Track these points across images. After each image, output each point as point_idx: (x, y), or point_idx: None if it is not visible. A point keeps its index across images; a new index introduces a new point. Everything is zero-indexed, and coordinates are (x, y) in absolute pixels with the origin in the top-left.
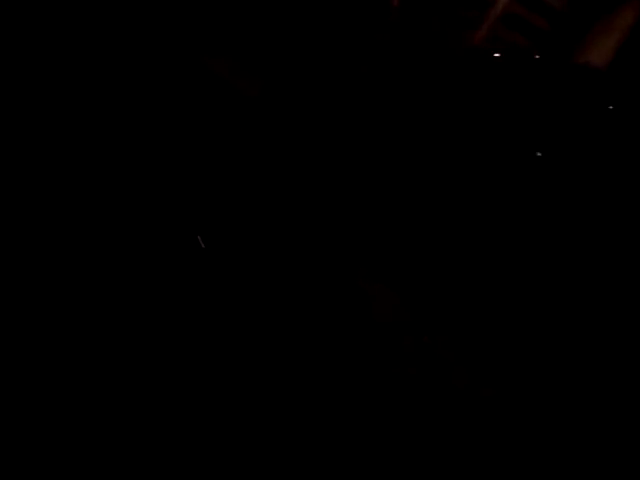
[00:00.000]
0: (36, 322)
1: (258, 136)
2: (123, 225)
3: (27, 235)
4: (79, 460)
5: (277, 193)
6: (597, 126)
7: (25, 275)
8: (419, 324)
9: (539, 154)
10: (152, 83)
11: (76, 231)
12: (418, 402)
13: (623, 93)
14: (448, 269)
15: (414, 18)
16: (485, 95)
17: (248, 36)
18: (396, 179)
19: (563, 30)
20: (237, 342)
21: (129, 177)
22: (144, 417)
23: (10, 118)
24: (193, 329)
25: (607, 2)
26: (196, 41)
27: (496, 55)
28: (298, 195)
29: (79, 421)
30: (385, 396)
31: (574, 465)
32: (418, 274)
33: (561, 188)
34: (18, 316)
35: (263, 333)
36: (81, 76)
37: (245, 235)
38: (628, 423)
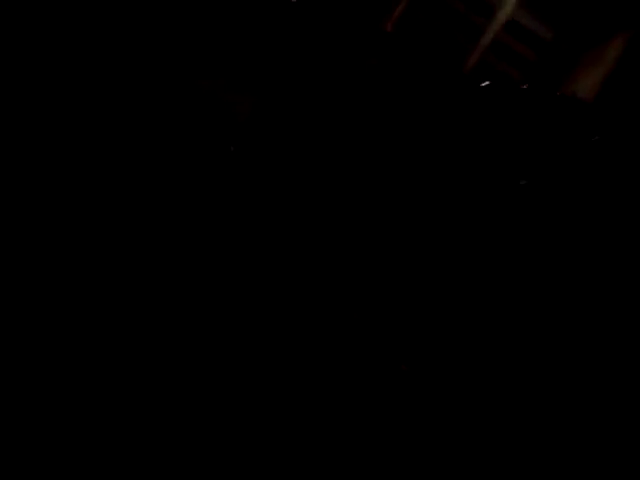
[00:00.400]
0: (36, 322)
1: (248, 154)
2: (122, 230)
3: (26, 234)
4: (79, 460)
5: (265, 212)
6: (582, 156)
7: (25, 274)
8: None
9: (523, 182)
10: (147, 102)
11: (74, 234)
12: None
13: (609, 124)
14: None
15: (407, 44)
16: (473, 124)
17: (241, 57)
18: (384, 212)
19: (551, 61)
20: (232, 338)
21: (120, 187)
22: (144, 417)
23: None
24: (193, 329)
25: (594, 35)
26: (189, 62)
27: (484, 84)
28: (285, 217)
29: (79, 421)
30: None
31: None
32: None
33: (546, 216)
34: (18, 316)
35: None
36: (77, 92)
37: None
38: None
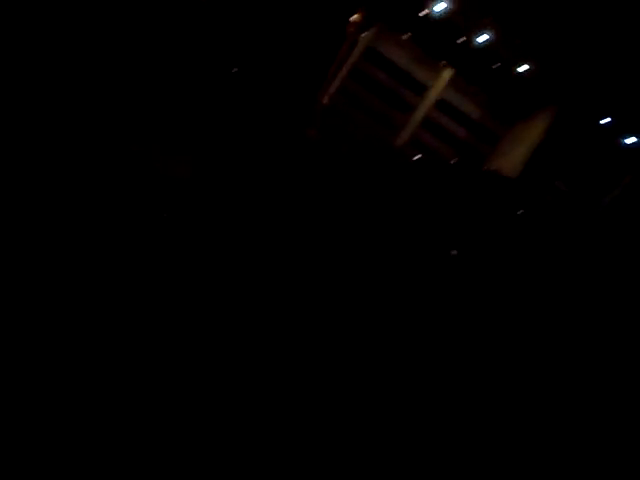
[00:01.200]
0: (36, 322)
1: (189, 215)
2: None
3: (26, 233)
4: (79, 459)
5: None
6: (507, 230)
7: (24, 273)
8: None
9: (454, 252)
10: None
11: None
12: None
13: (531, 199)
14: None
15: (342, 115)
16: (403, 197)
17: (181, 122)
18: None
19: (479, 138)
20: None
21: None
22: (144, 417)
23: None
24: (193, 329)
25: (519, 113)
26: (123, 130)
27: (415, 158)
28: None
29: (79, 421)
30: None
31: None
32: None
33: (474, 285)
34: (18, 316)
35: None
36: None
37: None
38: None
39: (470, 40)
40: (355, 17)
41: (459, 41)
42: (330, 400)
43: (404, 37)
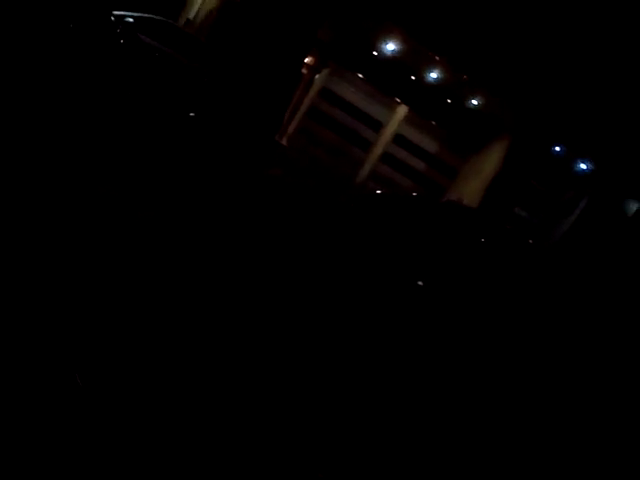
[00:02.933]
0: (36, 321)
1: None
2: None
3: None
4: (79, 459)
5: None
6: (471, 257)
7: (24, 272)
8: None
9: (420, 283)
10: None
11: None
12: None
13: (492, 227)
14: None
15: (303, 154)
16: (367, 227)
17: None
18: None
19: (439, 170)
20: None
21: None
22: (144, 416)
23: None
24: (192, 329)
25: (475, 145)
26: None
27: (378, 192)
28: None
29: (79, 421)
30: None
31: None
32: None
33: (442, 317)
34: (18, 315)
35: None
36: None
37: None
38: None
39: (421, 77)
40: (309, 59)
41: (411, 78)
42: (330, 400)
43: (357, 76)
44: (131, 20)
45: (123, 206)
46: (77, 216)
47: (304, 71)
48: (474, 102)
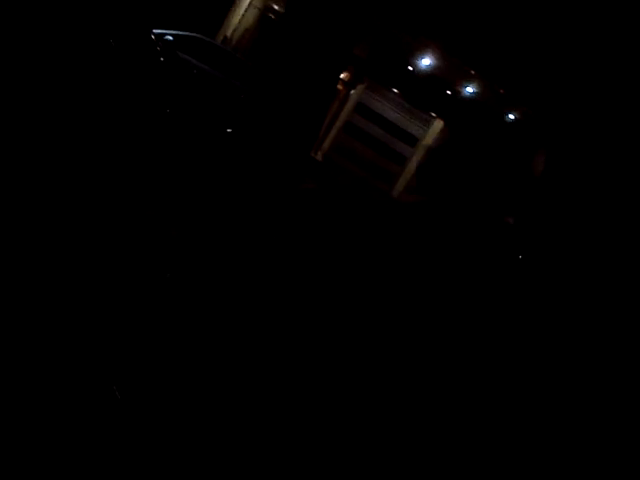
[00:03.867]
0: (36, 321)
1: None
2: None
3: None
4: (79, 459)
5: None
6: (510, 274)
7: (24, 273)
8: None
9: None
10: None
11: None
12: None
13: (529, 244)
14: None
15: (338, 169)
16: (402, 241)
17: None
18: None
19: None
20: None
21: None
22: (144, 416)
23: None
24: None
25: (517, 158)
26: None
27: (409, 203)
28: None
29: (79, 421)
30: None
31: None
32: None
33: (475, 334)
34: (18, 316)
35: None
36: None
37: None
38: None
39: (457, 92)
40: (344, 75)
41: (447, 93)
42: (330, 400)
43: (393, 91)
44: (170, 38)
45: (158, 221)
46: (116, 228)
47: (339, 87)
48: (511, 116)
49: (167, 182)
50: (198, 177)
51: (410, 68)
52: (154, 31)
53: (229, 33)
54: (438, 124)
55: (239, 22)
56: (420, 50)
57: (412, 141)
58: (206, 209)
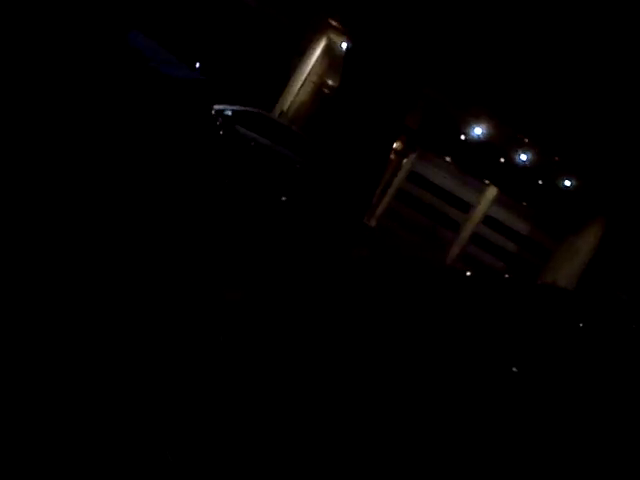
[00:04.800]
0: (36, 321)
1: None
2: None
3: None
4: (79, 459)
5: None
6: (569, 342)
7: (25, 274)
8: None
9: (515, 369)
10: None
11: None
12: None
13: (592, 311)
14: None
15: (391, 236)
16: (459, 311)
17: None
18: None
19: (530, 252)
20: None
21: None
22: (144, 416)
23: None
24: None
25: (569, 226)
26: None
27: (468, 274)
28: None
29: (79, 421)
30: None
31: None
32: None
33: (536, 401)
34: (18, 316)
35: None
36: None
37: None
38: None
39: (510, 159)
40: (397, 144)
41: (500, 160)
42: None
43: (445, 159)
44: (229, 113)
45: (214, 288)
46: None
47: (392, 156)
48: (566, 183)
49: (225, 247)
50: (254, 244)
51: (462, 136)
52: (215, 107)
53: (285, 107)
54: (492, 191)
55: (295, 96)
56: (472, 118)
57: (465, 208)
58: (260, 276)
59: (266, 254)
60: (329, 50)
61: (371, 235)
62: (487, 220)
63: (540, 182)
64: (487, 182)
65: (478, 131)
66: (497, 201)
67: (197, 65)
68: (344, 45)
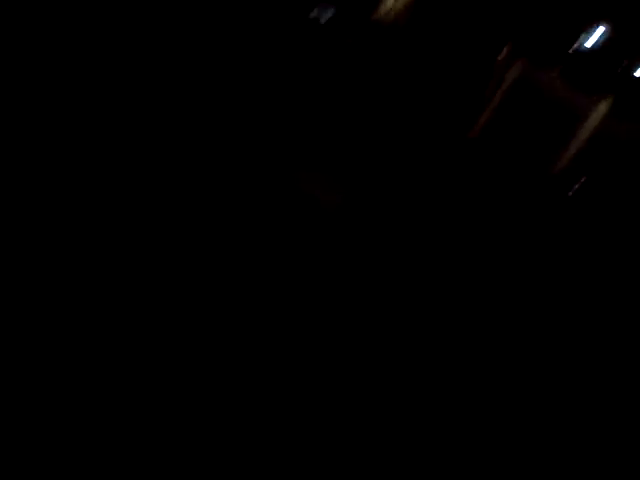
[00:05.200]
0: (37, 322)
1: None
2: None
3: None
4: (79, 459)
5: None
6: None
7: (25, 274)
8: None
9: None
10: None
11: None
12: None
13: None
14: None
15: (492, 148)
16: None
17: (338, 153)
18: None
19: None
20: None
21: None
22: (144, 416)
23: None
24: (192, 328)
25: None
26: (290, 156)
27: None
28: None
29: (80, 421)
30: None
31: None
32: None
33: None
34: (19, 316)
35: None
36: None
37: None
38: None
39: (628, 69)
40: (502, 54)
41: (616, 71)
42: (329, 400)
43: (552, 72)
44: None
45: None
46: None
47: (496, 66)
48: None
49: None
50: (351, 141)
51: (575, 46)
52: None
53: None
54: (605, 104)
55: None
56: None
57: (573, 120)
58: (360, 179)
59: (365, 156)
60: None
61: (473, 145)
62: (598, 135)
63: None
64: (599, 95)
65: (594, 39)
66: (610, 114)
67: None
68: None
